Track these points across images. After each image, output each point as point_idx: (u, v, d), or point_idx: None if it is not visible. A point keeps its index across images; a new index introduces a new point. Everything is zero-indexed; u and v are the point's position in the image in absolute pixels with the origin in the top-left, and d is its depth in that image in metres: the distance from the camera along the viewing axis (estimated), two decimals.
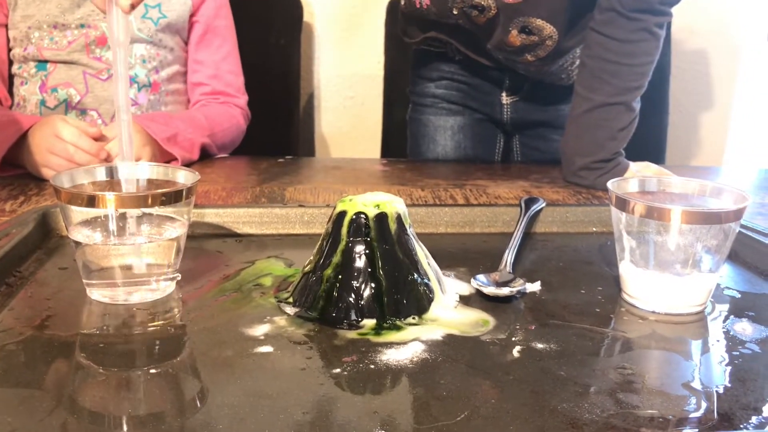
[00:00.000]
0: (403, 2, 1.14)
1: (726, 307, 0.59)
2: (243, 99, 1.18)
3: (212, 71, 1.15)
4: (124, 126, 0.61)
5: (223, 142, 1.10)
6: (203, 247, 0.69)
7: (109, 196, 0.53)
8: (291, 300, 0.57)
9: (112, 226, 0.55)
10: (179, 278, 0.58)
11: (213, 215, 0.73)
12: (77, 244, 0.55)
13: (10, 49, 1.08)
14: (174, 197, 0.55)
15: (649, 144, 1.41)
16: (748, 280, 0.65)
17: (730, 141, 1.80)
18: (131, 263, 0.56)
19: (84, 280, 0.56)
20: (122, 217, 0.56)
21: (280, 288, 0.60)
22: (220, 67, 1.15)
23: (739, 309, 0.58)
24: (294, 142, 1.56)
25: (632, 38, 0.93)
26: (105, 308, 0.55)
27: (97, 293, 0.56)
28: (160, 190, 0.55)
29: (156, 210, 0.56)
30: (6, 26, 1.07)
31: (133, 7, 0.63)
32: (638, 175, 0.96)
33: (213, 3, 1.15)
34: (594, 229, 0.78)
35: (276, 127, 1.50)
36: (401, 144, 1.35)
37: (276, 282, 0.61)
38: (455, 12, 1.03)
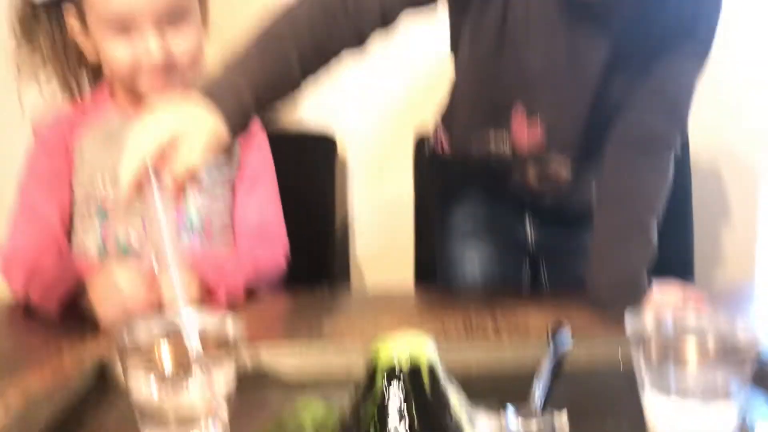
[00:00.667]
0: (427, 147, 1.22)
1: None
2: (284, 241, 1.21)
3: (256, 216, 1.20)
4: (176, 275, 0.68)
5: (265, 282, 1.13)
6: (247, 388, 0.73)
7: (164, 349, 0.59)
8: None
9: (166, 375, 0.60)
10: (227, 420, 0.63)
11: (254, 354, 0.78)
12: (132, 392, 0.60)
13: (72, 203, 1.16)
14: (223, 347, 0.60)
15: (676, 261, 1.44)
16: None
17: (762, 255, 1.81)
18: (184, 409, 0.60)
19: (140, 427, 0.61)
20: (175, 367, 0.61)
21: (320, 430, 0.63)
22: (263, 212, 1.20)
23: None
24: (330, 269, 1.62)
25: (642, 168, 0.99)
26: None
27: None
28: (209, 341, 0.60)
29: (205, 357, 0.61)
30: (71, 183, 1.15)
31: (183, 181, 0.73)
32: (664, 301, 0.99)
33: (257, 153, 1.22)
34: (621, 358, 0.80)
35: (313, 254, 1.56)
36: (433, 268, 1.39)
37: (316, 423, 0.64)
38: (474, 155, 1.11)
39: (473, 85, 1.05)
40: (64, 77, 1.17)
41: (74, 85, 1.19)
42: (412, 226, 1.63)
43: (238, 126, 0.80)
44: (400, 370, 0.58)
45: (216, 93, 0.79)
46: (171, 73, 1.10)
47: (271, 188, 1.24)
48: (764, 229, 1.81)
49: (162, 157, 0.73)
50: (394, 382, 0.58)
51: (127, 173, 0.72)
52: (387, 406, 0.57)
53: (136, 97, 1.14)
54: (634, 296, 0.99)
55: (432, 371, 0.59)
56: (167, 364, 0.60)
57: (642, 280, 1.01)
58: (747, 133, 1.77)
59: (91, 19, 1.08)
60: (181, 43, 1.09)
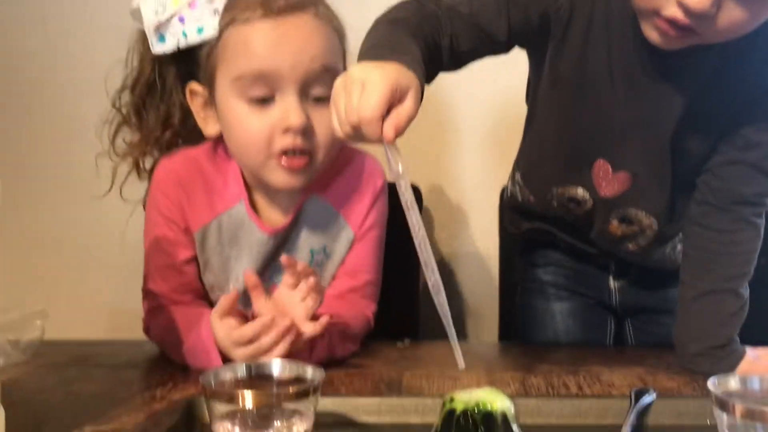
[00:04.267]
0: (505, 196, 1.23)
1: None
2: (375, 300, 1.17)
3: (354, 268, 1.14)
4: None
5: (355, 339, 1.11)
6: None
7: (246, 394, 0.61)
8: None
9: (249, 420, 0.63)
10: None
11: (334, 404, 0.79)
12: None
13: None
14: (303, 394, 0.62)
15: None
16: None
17: None
18: None
19: None
20: (257, 411, 0.63)
21: None
22: (362, 265, 1.14)
23: None
24: (415, 322, 1.63)
25: (730, 228, 0.96)
26: None
27: None
28: (291, 388, 0.62)
29: (287, 405, 0.64)
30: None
31: (397, 134, 0.73)
32: (758, 364, 0.95)
33: (382, 198, 1.15)
34: (708, 421, 0.77)
35: (399, 308, 1.57)
36: (516, 327, 1.38)
37: None
38: (555, 204, 1.11)
39: (554, 136, 1.05)
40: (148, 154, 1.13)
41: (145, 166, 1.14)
42: (497, 280, 1.62)
43: (423, 88, 0.80)
44: (473, 417, 0.59)
45: (396, 55, 0.78)
46: (307, 154, 1.00)
47: (379, 242, 1.17)
48: None
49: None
50: (468, 428, 0.59)
51: (372, 128, 0.72)
52: None
53: (262, 188, 1.07)
54: (725, 361, 0.96)
55: (506, 421, 0.60)
56: (250, 408, 0.62)
57: (733, 345, 0.98)
58: None
59: (223, 84, 1.00)
60: (322, 122, 0.98)
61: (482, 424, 0.59)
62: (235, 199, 1.07)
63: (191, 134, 1.11)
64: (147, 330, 1.10)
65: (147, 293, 1.08)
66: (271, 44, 0.97)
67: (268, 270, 1.10)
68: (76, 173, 1.65)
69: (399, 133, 0.73)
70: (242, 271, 1.06)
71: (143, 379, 0.96)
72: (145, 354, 1.10)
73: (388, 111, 0.73)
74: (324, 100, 0.96)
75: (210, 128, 1.06)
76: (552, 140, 1.07)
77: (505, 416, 0.60)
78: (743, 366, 0.95)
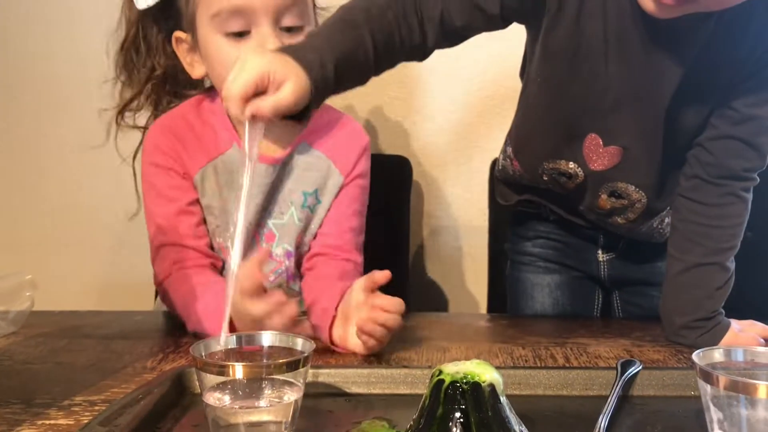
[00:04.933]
0: (496, 170, 1.23)
1: None
2: (360, 258, 1.17)
3: (334, 226, 1.15)
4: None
5: None
6: (316, 406, 0.75)
7: (237, 366, 0.62)
8: None
9: (239, 390, 0.63)
10: None
11: (325, 375, 0.80)
12: (207, 405, 0.63)
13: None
14: (293, 365, 0.63)
15: (755, 302, 1.39)
16: None
17: None
18: (254, 422, 0.63)
19: None
20: (247, 382, 0.64)
21: None
22: (342, 223, 1.16)
23: None
24: (404, 293, 1.63)
25: (719, 202, 0.97)
26: None
27: None
28: (281, 360, 0.63)
29: (277, 376, 0.64)
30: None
31: (255, 116, 0.78)
32: (742, 336, 0.96)
33: (359, 169, 1.17)
34: (693, 392, 0.78)
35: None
36: (504, 299, 1.39)
37: None
38: (545, 178, 1.11)
39: (546, 110, 1.05)
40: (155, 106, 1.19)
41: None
42: (486, 252, 1.63)
43: (318, 84, 0.83)
44: (461, 388, 0.60)
45: (299, 51, 0.84)
46: None
47: (362, 201, 1.19)
48: None
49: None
50: (456, 399, 0.59)
51: (234, 107, 0.79)
52: (448, 424, 0.59)
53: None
54: (711, 334, 0.97)
55: (494, 391, 0.60)
56: (240, 379, 0.63)
57: (719, 318, 0.99)
58: None
59: (204, 25, 1.05)
60: None
61: (470, 395, 0.60)
62: (227, 144, 1.11)
63: (177, 88, 1.18)
64: (161, 293, 1.11)
65: (159, 253, 1.09)
66: None
67: (265, 212, 1.13)
68: (68, 144, 1.65)
69: (258, 116, 0.79)
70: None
71: (134, 349, 0.96)
72: (135, 324, 1.11)
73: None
74: (295, 29, 1.05)
75: (196, 71, 1.12)
76: (544, 114, 1.06)
77: (493, 388, 0.61)
78: (727, 338, 0.97)
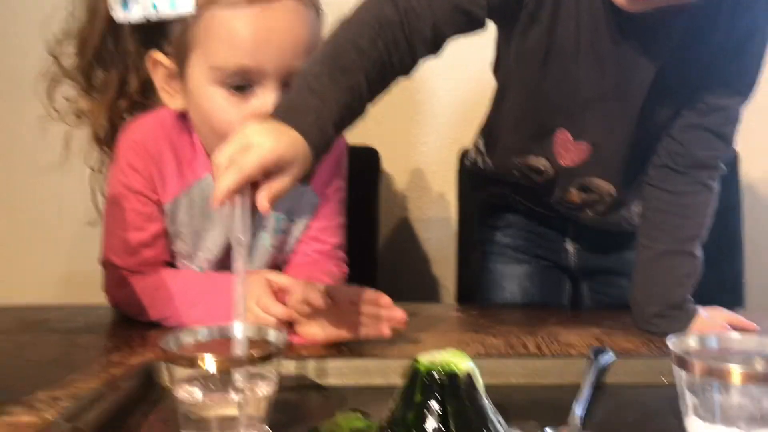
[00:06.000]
0: (468, 161, 1.22)
1: None
2: (345, 262, 1.16)
3: (320, 233, 1.12)
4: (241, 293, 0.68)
5: None
6: (289, 398, 0.74)
7: (209, 358, 0.60)
8: None
9: (211, 383, 0.62)
10: (268, 430, 0.64)
11: (297, 367, 0.79)
12: (177, 399, 0.62)
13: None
14: (266, 358, 0.62)
15: (726, 289, 1.41)
16: None
17: None
18: (226, 416, 0.62)
19: (182, 431, 0.62)
20: (219, 375, 0.62)
21: None
22: (327, 229, 1.13)
23: None
24: (374, 285, 1.62)
25: (687, 190, 0.99)
26: None
27: None
28: (254, 352, 0.61)
29: (249, 368, 0.63)
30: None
31: (270, 204, 0.72)
32: (710, 323, 0.97)
33: (336, 185, 1.13)
34: (665, 380, 0.79)
35: (357, 271, 1.57)
36: (474, 289, 1.39)
37: None
38: (516, 173, 1.11)
39: (517, 107, 1.05)
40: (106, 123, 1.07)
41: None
42: (455, 243, 1.63)
43: (321, 155, 0.80)
44: (438, 377, 0.59)
45: (298, 116, 0.78)
46: None
47: (341, 203, 1.16)
48: None
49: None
50: (433, 389, 0.59)
51: (225, 186, 0.71)
52: (425, 413, 0.58)
53: None
54: (680, 321, 0.98)
55: (470, 381, 0.60)
56: (212, 371, 0.61)
57: (688, 305, 1.00)
58: None
59: (199, 67, 0.95)
60: None
61: (447, 385, 0.59)
62: (203, 169, 1.03)
63: (148, 103, 1.07)
64: (112, 300, 1.07)
65: (110, 266, 1.05)
66: (257, 39, 0.92)
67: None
68: (22, 138, 1.60)
69: (271, 203, 0.73)
70: (213, 242, 1.06)
71: (99, 344, 0.94)
72: (100, 318, 1.08)
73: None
74: None
75: (175, 103, 1.01)
76: (515, 111, 1.06)
77: (469, 377, 0.60)
78: (697, 324, 0.98)
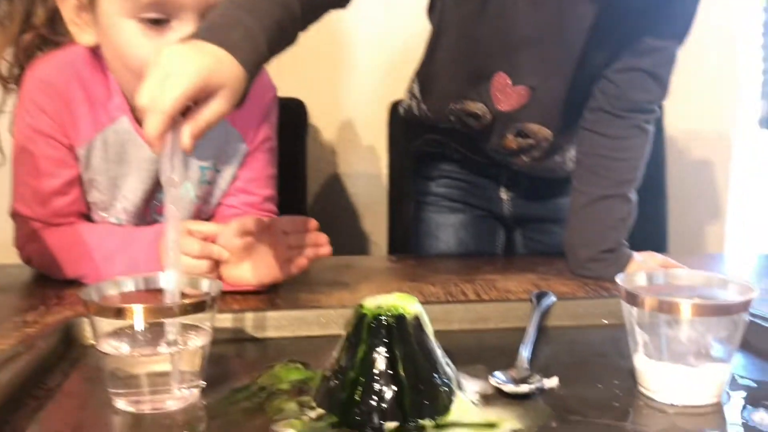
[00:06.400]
0: (402, 109, 1.19)
1: (742, 396, 0.60)
2: (277, 214, 1.10)
3: (250, 184, 1.07)
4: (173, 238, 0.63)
5: None
6: (223, 352, 0.70)
7: (137, 308, 0.55)
8: (313, 404, 0.57)
9: (140, 336, 0.57)
10: (204, 386, 0.60)
11: (231, 320, 0.75)
12: (104, 354, 0.57)
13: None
14: (199, 307, 0.57)
15: (651, 234, 1.44)
16: (762, 368, 0.66)
17: (729, 228, 1.83)
18: (157, 372, 0.57)
19: (110, 390, 0.57)
20: (149, 328, 0.57)
21: (301, 392, 0.60)
22: (258, 180, 1.08)
23: (754, 398, 0.59)
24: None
25: (623, 134, 0.98)
26: (132, 418, 0.56)
27: (122, 403, 0.57)
28: (186, 301, 0.57)
29: (181, 319, 0.58)
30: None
31: (194, 141, 0.65)
32: (644, 266, 0.98)
33: (264, 133, 1.07)
34: (605, 321, 0.79)
35: None
36: (407, 241, 1.37)
37: (297, 386, 0.62)
38: (452, 119, 1.08)
39: (454, 49, 1.02)
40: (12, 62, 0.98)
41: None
42: (386, 197, 1.60)
43: (253, 76, 0.72)
44: (386, 321, 0.56)
45: (227, 34, 0.70)
46: None
47: (273, 156, 1.10)
48: (734, 203, 1.83)
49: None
50: (380, 333, 0.56)
51: (151, 133, 0.63)
52: (372, 359, 0.55)
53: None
54: (615, 265, 0.99)
55: (418, 324, 0.57)
56: (140, 324, 0.56)
57: (622, 249, 1.01)
58: (721, 107, 1.78)
59: (111, 2, 0.87)
60: None
61: (395, 329, 0.56)
62: (119, 111, 0.96)
63: (57, 38, 0.98)
64: (24, 255, 1.00)
65: (21, 218, 0.97)
66: None
67: (156, 188, 1.01)
68: None
69: (196, 139, 0.65)
70: (130, 189, 0.99)
71: (12, 304, 0.87)
72: (11, 278, 1.00)
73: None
74: None
75: (85, 38, 0.92)
76: (452, 54, 1.03)
77: (418, 320, 0.58)
78: (631, 268, 0.98)
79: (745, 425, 0.54)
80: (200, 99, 0.66)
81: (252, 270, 0.89)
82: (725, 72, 1.77)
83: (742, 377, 0.63)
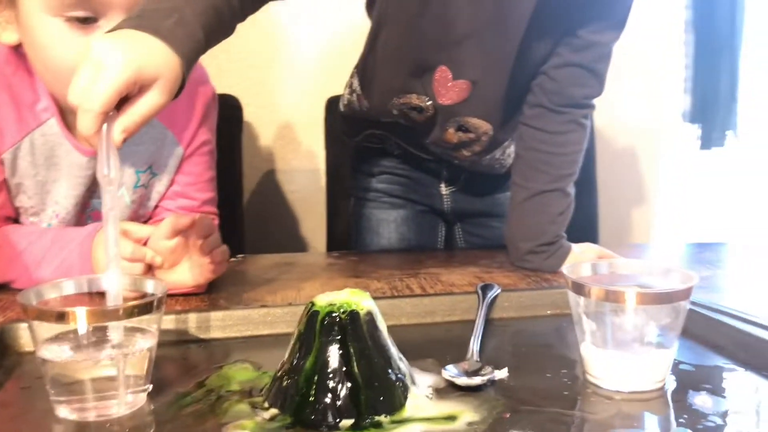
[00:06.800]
0: (342, 105, 1.18)
1: (685, 381, 0.62)
2: (217, 215, 1.08)
3: (188, 189, 1.04)
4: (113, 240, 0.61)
5: None
6: (168, 355, 0.68)
7: (80, 312, 0.53)
8: (266, 405, 0.57)
9: (83, 340, 0.54)
10: (150, 389, 0.58)
11: (175, 321, 0.73)
12: (45, 361, 0.54)
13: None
14: (145, 309, 0.55)
15: (582, 226, 1.47)
16: (700, 353, 0.69)
17: (657, 218, 1.90)
18: (102, 377, 0.55)
19: (51, 398, 0.55)
20: (92, 331, 0.55)
21: (252, 392, 0.59)
22: (196, 184, 1.05)
23: (696, 382, 0.61)
24: (241, 239, 1.56)
25: (561, 130, 1.00)
26: (75, 426, 0.53)
27: (65, 411, 0.54)
28: (131, 303, 0.55)
29: (126, 322, 0.56)
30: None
31: (125, 140, 0.62)
32: (583, 258, 1.00)
33: (203, 137, 1.04)
34: (549, 311, 0.81)
35: (222, 225, 1.50)
36: (346, 237, 1.37)
37: (247, 386, 0.61)
38: (395, 112, 1.08)
39: (396, 44, 1.02)
40: None
41: None
42: (324, 193, 1.59)
43: (191, 65, 0.69)
44: (339, 318, 0.56)
45: (160, 22, 0.66)
46: None
47: (213, 158, 1.07)
48: (661, 194, 1.89)
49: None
50: (333, 330, 0.56)
51: (83, 131, 0.61)
52: (326, 357, 0.55)
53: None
54: (555, 257, 1.01)
55: (371, 319, 0.57)
56: (83, 327, 0.54)
57: (561, 241, 1.03)
58: (647, 101, 1.85)
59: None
60: None
61: (348, 325, 0.56)
62: (48, 113, 0.92)
63: None
64: None
65: None
66: None
67: (90, 194, 0.98)
68: None
69: (131, 134, 0.63)
70: (62, 195, 0.95)
71: None
72: None
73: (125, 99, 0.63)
74: None
75: (7, 36, 0.87)
76: (394, 48, 1.03)
77: (371, 316, 0.57)
78: (570, 260, 1.01)
79: (689, 408, 0.56)
80: (134, 92, 0.63)
81: (187, 271, 0.87)
82: (651, 66, 1.83)
83: (682, 363, 0.66)
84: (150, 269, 0.85)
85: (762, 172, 1.92)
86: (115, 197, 0.61)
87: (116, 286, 0.58)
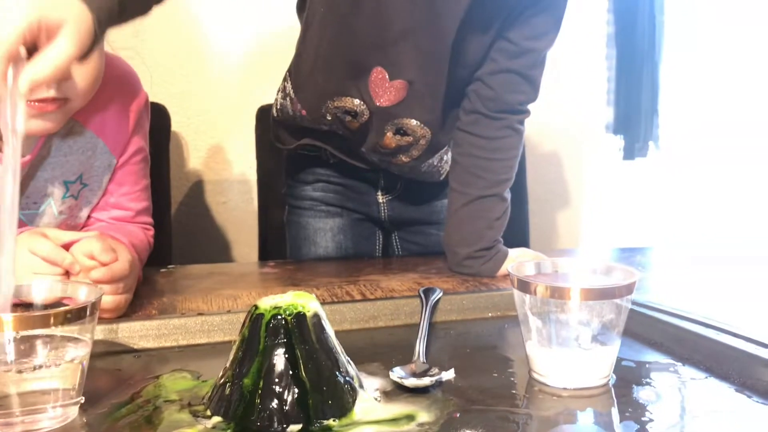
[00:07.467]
0: (275, 110, 1.16)
1: (627, 377, 0.62)
2: (151, 224, 1.05)
3: (122, 199, 1.00)
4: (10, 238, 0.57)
5: (142, 261, 0.99)
6: (100, 366, 0.65)
7: (6, 318, 0.49)
8: (208, 413, 0.54)
9: (9, 350, 0.51)
10: (83, 401, 0.55)
11: (106, 331, 0.69)
12: None
13: None
14: (78, 315, 0.52)
15: (514, 233, 1.50)
16: (639, 350, 0.70)
17: (584, 224, 1.95)
18: (31, 390, 0.52)
19: None
20: (20, 340, 0.52)
21: (191, 402, 0.57)
22: (130, 194, 1.01)
23: (637, 378, 0.62)
24: (168, 251, 1.52)
25: (497, 135, 1.01)
26: None
27: None
28: (62, 308, 0.52)
29: (58, 330, 0.53)
30: None
31: (34, 88, 0.59)
32: (521, 259, 1.01)
33: (136, 145, 1.00)
34: (490, 314, 0.81)
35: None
36: (279, 247, 1.35)
37: (186, 396, 0.58)
38: (329, 118, 1.06)
39: (330, 46, 1.00)
40: None
41: None
42: (255, 203, 1.57)
43: (102, 25, 0.66)
44: (285, 321, 0.54)
45: None
46: (62, 100, 0.82)
47: (146, 170, 1.04)
48: (589, 201, 1.94)
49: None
50: (279, 334, 0.54)
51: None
52: (272, 361, 0.53)
53: None
54: (492, 261, 1.01)
55: (318, 322, 0.56)
56: (9, 335, 0.51)
57: (499, 246, 1.03)
58: (575, 112, 1.90)
59: None
60: (81, 71, 0.81)
61: (295, 327, 0.54)
62: None
63: None
64: None
65: None
66: None
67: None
68: None
69: (36, 86, 0.61)
70: None
71: None
72: None
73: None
74: None
75: None
76: (327, 50, 1.01)
77: (318, 318, 0.56)
78: (507, 264, 1.01)
79: (634, 402, 0.57)
80: (43, 42, 0.61)
81: (110, 292, 0.78)
82: (579, 77, 1.89)
83: (623, 359, 0.67)
84: (67, 275, 0.79)
85: (683, 180, 2.00)
86: (18, 151, 0.57)
87: (44, 292, 0.55)
